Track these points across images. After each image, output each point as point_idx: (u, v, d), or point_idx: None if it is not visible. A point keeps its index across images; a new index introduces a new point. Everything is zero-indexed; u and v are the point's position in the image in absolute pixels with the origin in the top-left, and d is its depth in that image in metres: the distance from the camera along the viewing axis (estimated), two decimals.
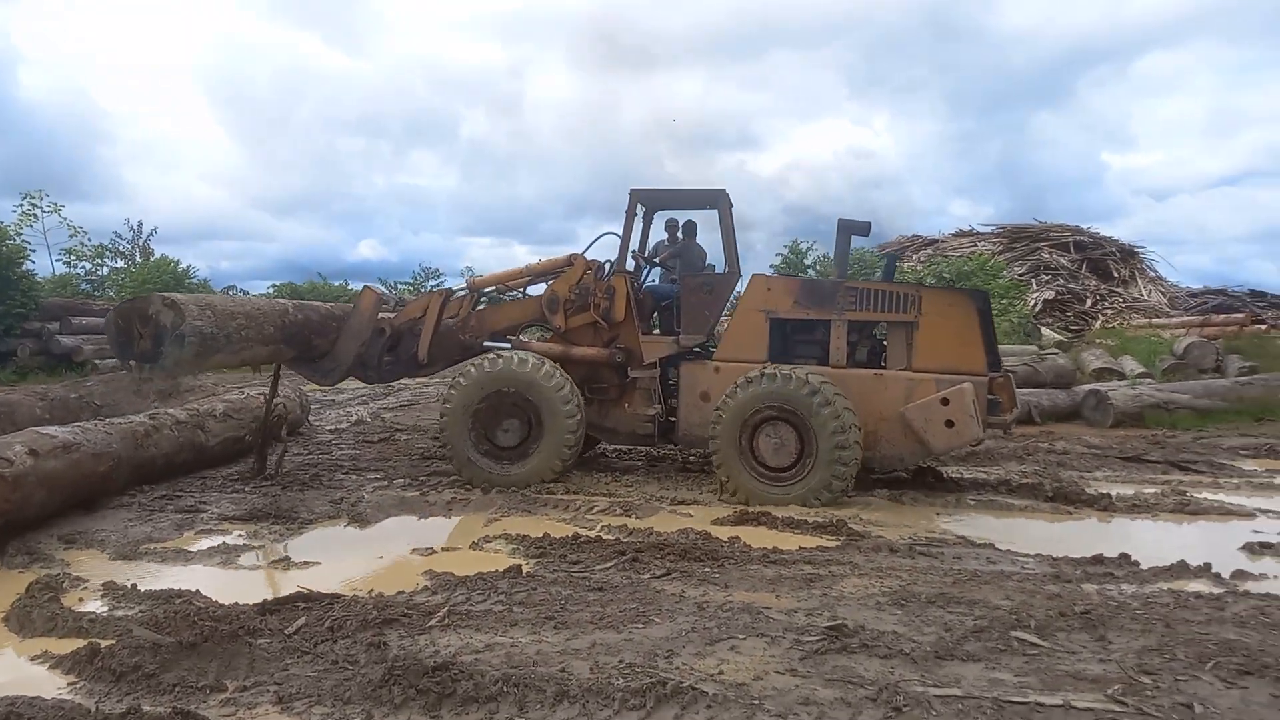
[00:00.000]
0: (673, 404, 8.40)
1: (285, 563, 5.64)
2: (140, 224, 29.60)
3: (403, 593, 4.79)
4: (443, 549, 5.96)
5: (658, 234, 9.41)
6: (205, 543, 6.14)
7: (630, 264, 8.76)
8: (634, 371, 8.42)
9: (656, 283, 9.27)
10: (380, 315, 8.87)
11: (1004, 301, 20.98)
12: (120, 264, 27.23)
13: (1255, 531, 6.38)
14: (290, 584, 4.93)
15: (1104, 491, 7.64)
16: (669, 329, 8.78)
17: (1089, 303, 25.63)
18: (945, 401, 7.13)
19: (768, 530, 6.56)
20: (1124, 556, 5.50)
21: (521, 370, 8.00)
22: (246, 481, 8.09)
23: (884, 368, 7.70)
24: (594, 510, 7.09)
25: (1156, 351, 16.14)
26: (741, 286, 8.43)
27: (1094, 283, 26.99)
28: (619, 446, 9.76)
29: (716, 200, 8.46)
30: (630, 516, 6.88)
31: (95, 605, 4.72)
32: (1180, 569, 5.27)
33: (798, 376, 7.30)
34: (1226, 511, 7.01)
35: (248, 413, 9.60)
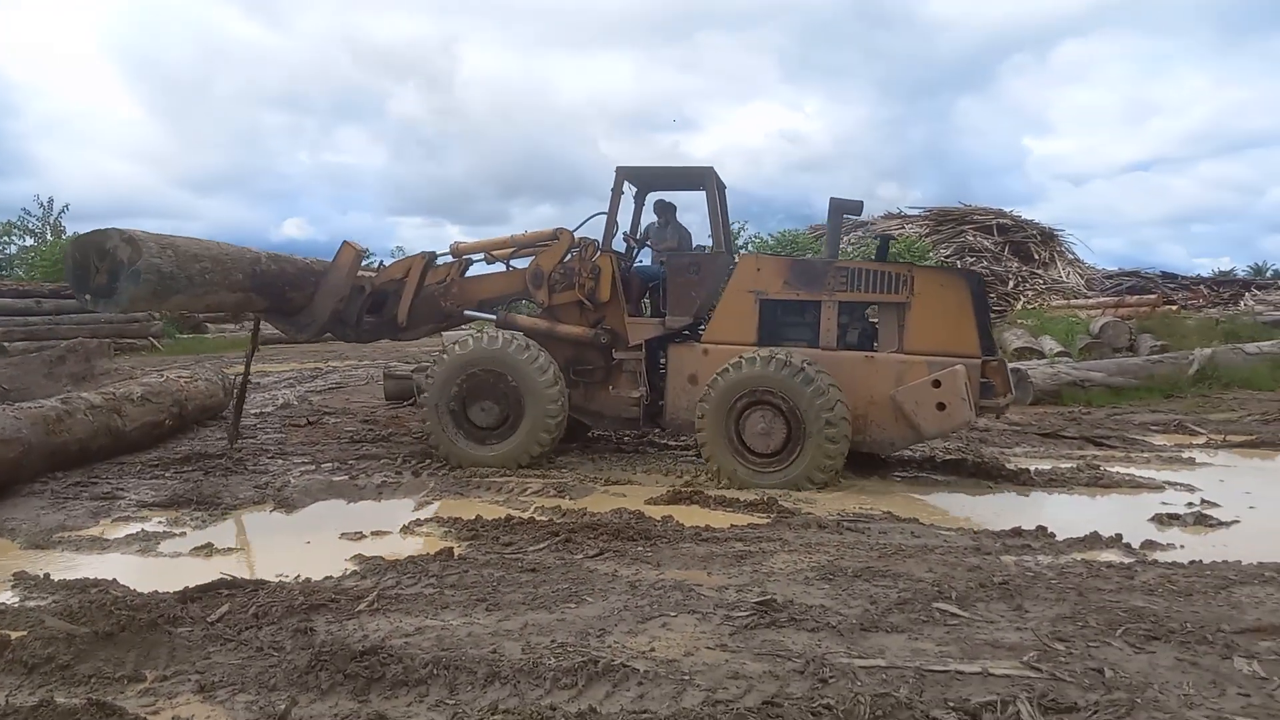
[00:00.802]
0: (661, 387, 8.22)
1: (208, 550, 5.49)
2: (51, 201, 28.36)
3: (330, 578, 4.70)
4: (372, 533, 5.87)
5: (650, 215, 9.25)
6: (123, 530, 5.94)
7: (622, 244, 8.62)
8: (619, 354, 8.25)
9: (647, 263, 9.09)
10: (360, 273, 8.63)
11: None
12: (30, 242, 26.04)
13: (1164, 504, 6.68)
14: (213, 571, 4.79)
15: (1024, 467, 7.91)
16: (654, 309, 8.62)
17: (1011, 284, 26.41)
18: (937, 384, 7.02)
19: (701, 509, 6.62)
20: (1041, 529, 5.70)
21: (504, 350, 7.89)
22: (171, 464, 7.85)
23: (875, 350, 7.57)
24: (527, 492, 7.07)
25: (1074, 331, 16.73)
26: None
27: (1016, 265, 27.83)
28: (606, 431, 9.42)
29: (704, 179, 8.30)
30: (564, 497, 6.87)
31: (5, 596, 4.53)
32: (1093, 540, 5.50)
33: (785, 360, 7.18)
34: (1137, 485, 7.32)
35: (167, 396, 9.30)
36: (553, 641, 3.73)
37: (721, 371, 7.40)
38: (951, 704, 3.07)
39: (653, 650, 3.66)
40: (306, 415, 11.11)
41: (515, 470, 7.76)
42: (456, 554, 5.15)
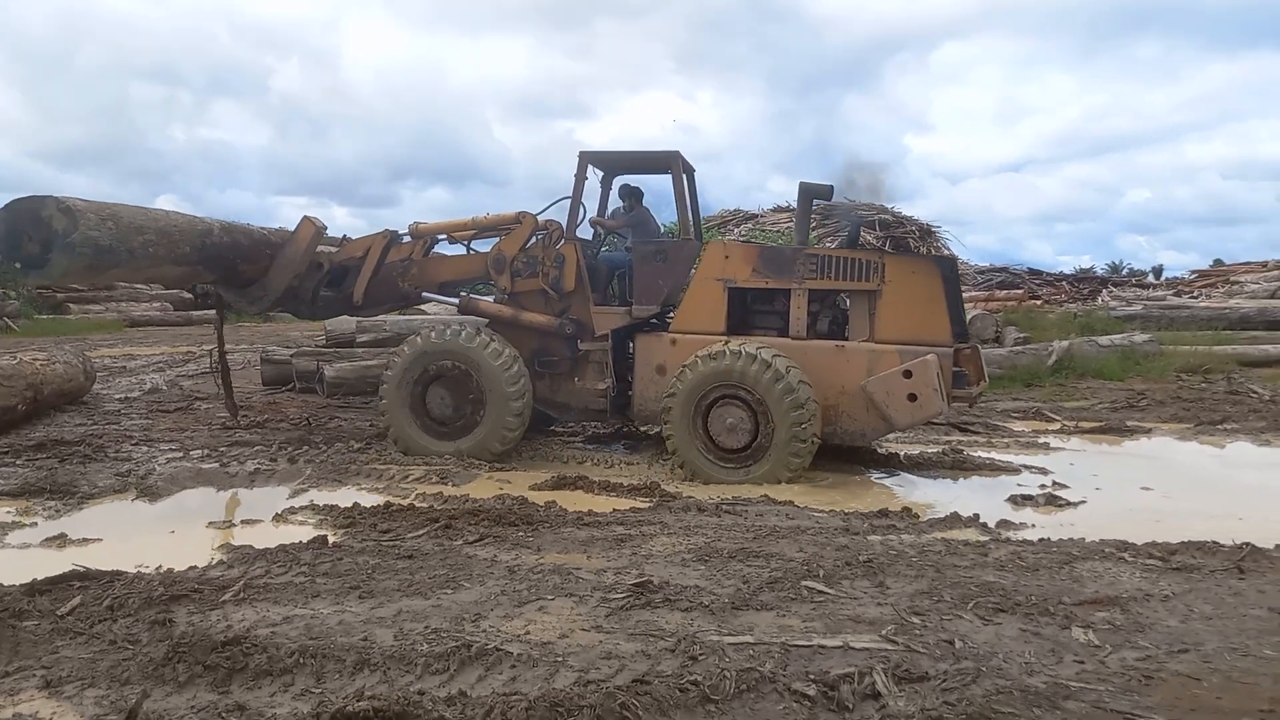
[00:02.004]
0: (630, 378, 8.03)
1: (60, 540, 5.21)
2: None
3: (195, 568, 4.53)
4: (243, 522, 5.68)
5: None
6: None
7: (589, 231, 8.42)
8: (584, 344, 8.01)
9: (615, 250, 8.90)
10: (319, 249, 8.31)
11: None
12: None
13: (1019, 485, 7.10)
14: (65, 562, 4.54)
15: (893, 451, 8.25)
16: (621, 298, 8.39)
17: None
18: (908, 374, 6.89)
19: (585, 494, 6.68)
20: (906, 510, 5.98)
21: (465, 343, 7.70)
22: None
23: (846, 339, 7.47)
24: (409, 478, 6.96)
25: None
26: None
27: None
28: (573, 423, 9.11)
29: (669, 163, 8.07)
30: (447, 484, 6.80)
31: None
32: (953, 519, 5.81)
33: (751, 354, 7.04)
34: (996, 468, 7.75)
35: (20, 379, 8.72)
36: (426, 627, 3.70)
37: (689, 364, 7.24)
38: (812, 676, 3.20)
39: (528, 633, 3.67)
40: (176, 400, 10.61)
41: (407, 458, 7.62)
42: (331, 542, 5.04)
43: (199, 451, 7.75)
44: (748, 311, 7.79)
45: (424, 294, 8.56)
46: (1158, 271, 33.80)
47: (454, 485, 6.71)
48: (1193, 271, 29.15)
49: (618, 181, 8.96)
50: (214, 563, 4.66)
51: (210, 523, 5.62)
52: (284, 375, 11.61)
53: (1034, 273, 30.81)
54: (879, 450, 8.26)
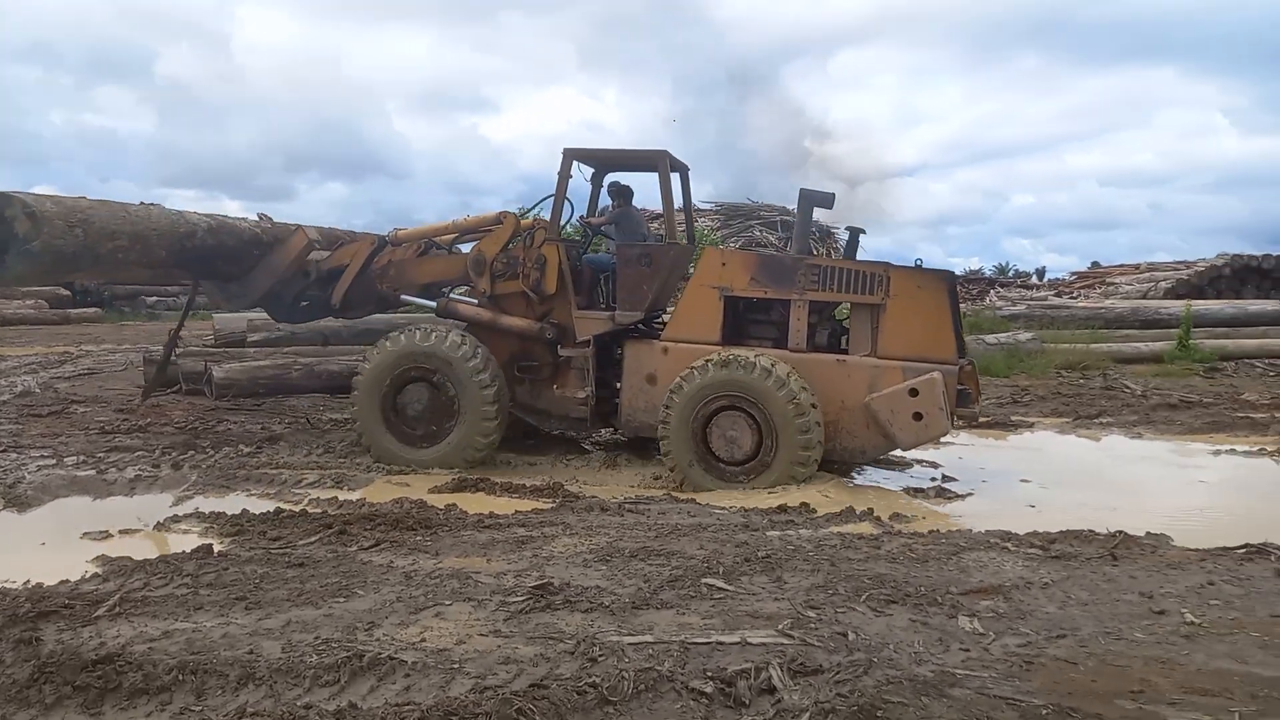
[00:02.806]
0: (613, 385, 7.76)
1: None
2: None
3: (66, 582, 4.26)
4: (121, 532, 5.40)
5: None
6: None
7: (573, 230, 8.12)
8: (565, 350, 7.69)
9: (602, 252, 8.63)
10: (310, 257, 8.03)
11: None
12: None
13: (911, 479, 7.35)
14: None
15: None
16: (607, 302, 8.07)
17: None
18: (914, 392, 6.66)
19: (486, 496, 6.60)
20: (804, 505, 6.11)
21: (438, 346, 7.39)
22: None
23: (844, 352, 7.25)
24: (302, 483, 6.74)
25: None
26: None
27: None
28: (553, 431, 8.52)
29: (656, 161, 7.79)
30: (342, 488, 6.62)
31: None
32: (848, 514, 5.95)
33: (756, 363, 6.80)
34: (890, 463, 7.98)
35: None
36: (316, 638, 3.57)
37: (686, 375, 6.97)
38: (710, 674, 3.22)
39: (423, 640, 3.59)
40: (50, 404, 10.00)
41: (300, 462, 7.36)
42: (216, 551, 4.84)
43: (74, 458, 7.31)
44: (742, 321, 7.53)
45: (403, 296, 8.23)
46: (1040, 273, 35.42)
47: (349, 489, 6.53)
48: (1072, 273, 30.60)
49: (609, 180, 8.65)
50: (88, 576, 4.41)
51: (85, 534, 5.31)
52: (168, 377, 11.07)
53: None
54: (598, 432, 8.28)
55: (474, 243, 8.13)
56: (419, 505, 5.89)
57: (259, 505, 5.94)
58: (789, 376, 6.77)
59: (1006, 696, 3.09)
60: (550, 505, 6.14)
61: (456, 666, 3.32)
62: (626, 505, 6.05)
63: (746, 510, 6.05)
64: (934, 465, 7.89)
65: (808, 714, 2.92)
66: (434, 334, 7.47)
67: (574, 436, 8.46)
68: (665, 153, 7.75)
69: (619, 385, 7.73)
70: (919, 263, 7.26)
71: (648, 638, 3.62)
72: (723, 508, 6.16)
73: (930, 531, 5.45)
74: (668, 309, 8.27)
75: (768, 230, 30.33)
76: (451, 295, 8.32)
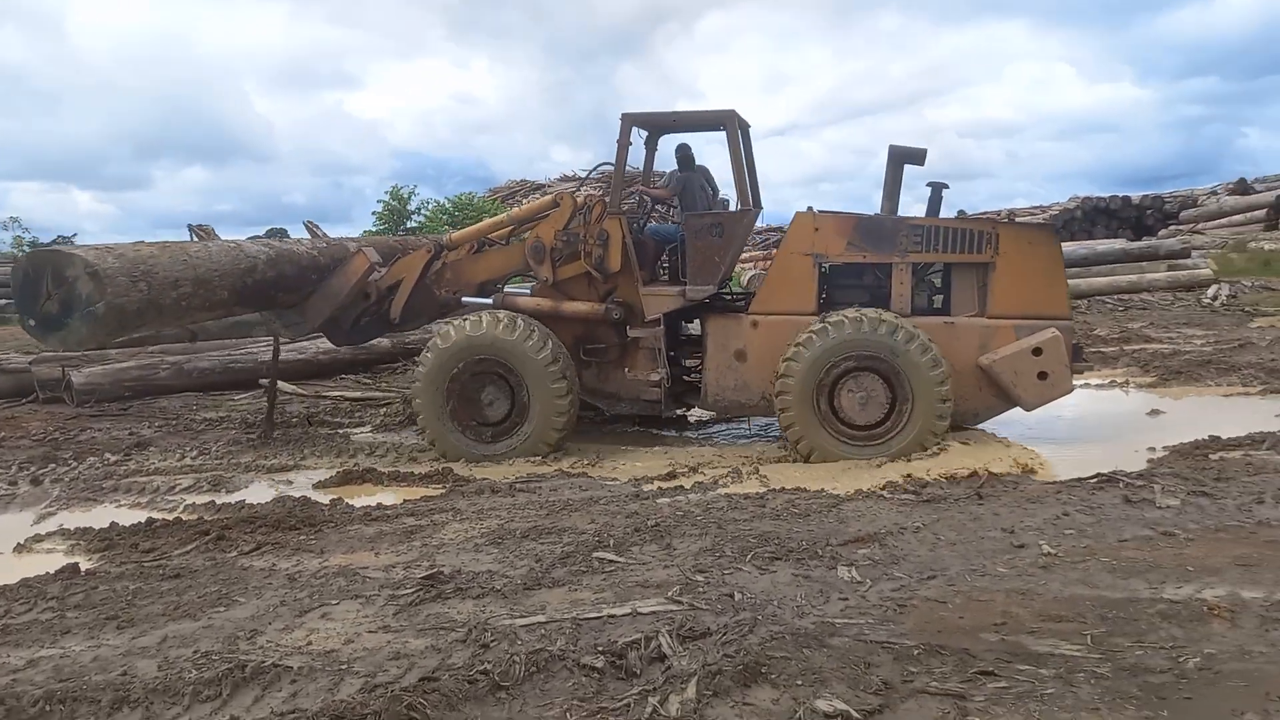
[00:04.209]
0: (685, 364, 7.49)
1: None
2: None
3: None
4: None
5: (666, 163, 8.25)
6: None
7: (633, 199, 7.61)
8: (634, 331, 7.31)
9: (662, 222, 8.14)
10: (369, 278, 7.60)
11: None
12: None
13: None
14: None
15: (680, 413, 8.51)
16: (672, 277, 7.69)
17: None
18: (1038, 351, 6.52)
19: (374, 487, 6.47)
20: (693, 469, 6.22)
21: (503, 335, 6.99)
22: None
23: (938, 314, 7.03)
24: (176, 489, 6.46)
25: (731, 283, 18.29)
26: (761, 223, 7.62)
27: None
28: (623, 414, 8.10)
29: (724, 121, 7.23)
30: (219, 491, 6.37)
31: None
32: (735, 474, 6.10)
33: (887, 320, 6.53)
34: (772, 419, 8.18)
35: None
36: (195, 652, 3.45)
37: (807, 338, 6.61)
38: (601, 648, 3.27)
39: (310, 644, 3.51)
40: None
41: (174, 466, 7.03)
42: (84, 569, 4.60)
43: None
44: (830, 287, 7.22)
45: (464, 299, 7.84)
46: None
47: (227, 492, 6.29)
48: None
49: (677, 144, 8.06)
50: None
51: None
52: (24, 385, 10.37)
53: None
54: (670, 414, 8.44)
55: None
56: (302, 503, 5.74)
57: (129, 516, 5.66)
58: (922, 335, 6.53)
59: (882, 641, 3.25)
60: (440, 491, 6.07)
61: (345, 667, 3.27)
62: (518, 485, 6.05)
63: (638, 480, 6.13)
64: None
65: (695, 677, 3.00)
66: (499, 323, 7.06)
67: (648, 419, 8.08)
68: (733, 112, 7.25)
69: (687, 363, 7.62)
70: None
71: (540, 618, 3.64)
72: (615, 480, 6.22)
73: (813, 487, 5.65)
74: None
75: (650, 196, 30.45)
76: (506, 289, 7.99)
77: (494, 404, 7.14)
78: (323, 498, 5.91)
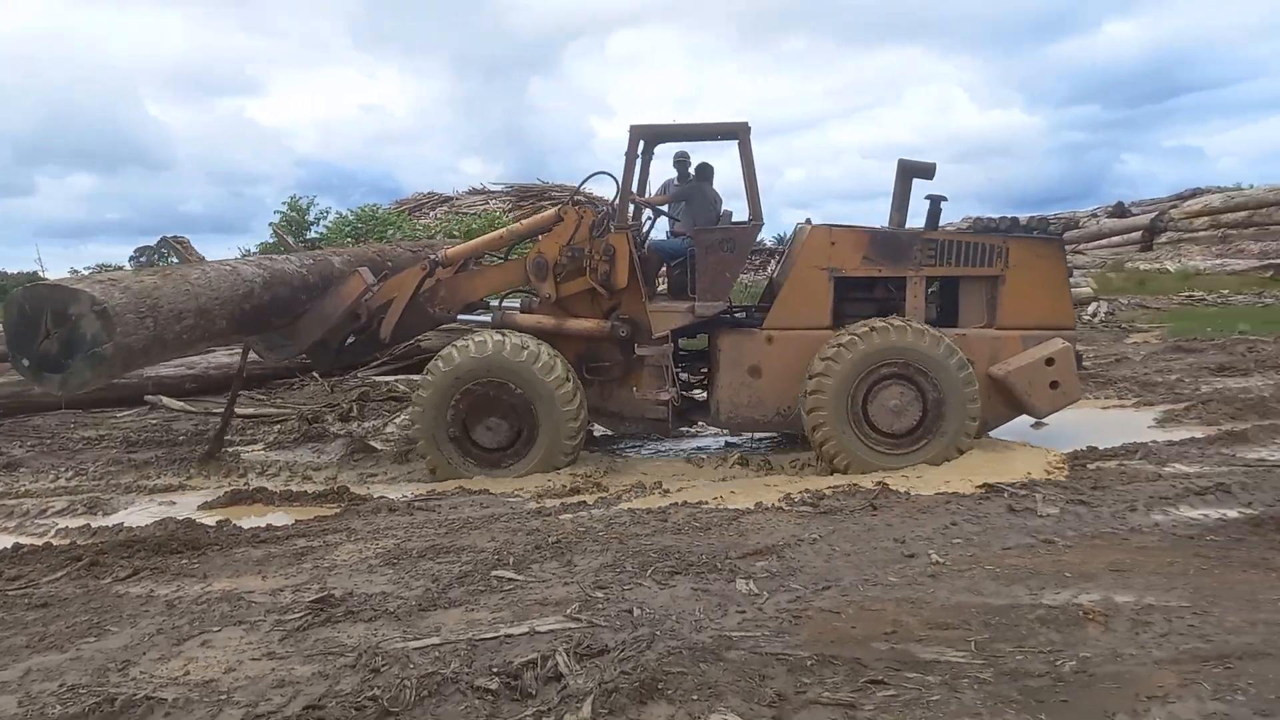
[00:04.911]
0: (686, 380, 7.34)
1: None
2: None
3: None
4: None
5: (664, 174, 8.06)
6: None
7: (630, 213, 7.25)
8: (642, 348, 7.10)
9: (665, 236, 7.90)
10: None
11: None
12: None
13: (697, 448, 7.62)
14: None
15: (685, 431, 8.22)
16: (676, 292, 7.50)
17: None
18: (1050, 361, 6.66)
19: (264, 507, 6.23)
20: (596, 484, 6.20)
21: (500, 356, 6.66)
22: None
23: (944, 326, 7.03)
24: (48, 513, 6.09)
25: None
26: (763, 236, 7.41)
27: None
28: (628, 434, 8.02)
29: (737, 133, 7.11)
30: (95, 514, 6.04)
31: None
32: (638, 488, 6.11)
33: (924, 330, 6.56)
34: (679, 434, 8.24)
35: None
36: (61, 685, 3.24)
37: (845, 343, 6.56)
38: (496, 669, 3.20)
39: (187, 674, 3.34)
40: None
41: (46, 489, 6.60)
42: None
43: None
44: (842, 301, 7.15)
45: (458, 316, 7.55)
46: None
47: (104, 515, 5.96)
48: None
49: (662, 151, 7.95)
50: None
51: None
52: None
53: None
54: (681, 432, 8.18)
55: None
56: (186, 525, 5.47)
57: None
58: (951, 342, 6.59)
59: (777, 652, 3.28)
60: (334, 510, 5.88)
61: (224, 698, 3.12)
62: (416, 503, 5.91)
63: (540, 496, 6.07)
64: (719, 433, 8.19)
65: (591, 696, 2.96)
66: (505, 344, 6.77)
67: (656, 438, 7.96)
68: (746, 124, 7.15)
69: (690, 379, 7.52)
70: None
71: (434, 640, 3.55)
72: (517, 496, 6.15)
73: (715, 499, 5.69)
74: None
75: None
76: (505, 306, 7.66)
77: (499, 427, 6.85)
78: (208, 519, 5.64)
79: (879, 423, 6.59)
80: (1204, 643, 3.21)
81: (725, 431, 7.57)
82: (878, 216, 7.26)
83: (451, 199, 31.72)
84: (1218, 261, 21.62)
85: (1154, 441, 6.63)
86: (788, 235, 8.10)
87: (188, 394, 10.21)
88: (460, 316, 7.54)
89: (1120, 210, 28.62)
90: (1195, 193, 26.52)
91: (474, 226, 22.53)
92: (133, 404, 10.08)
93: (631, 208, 7.24)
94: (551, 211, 7.37)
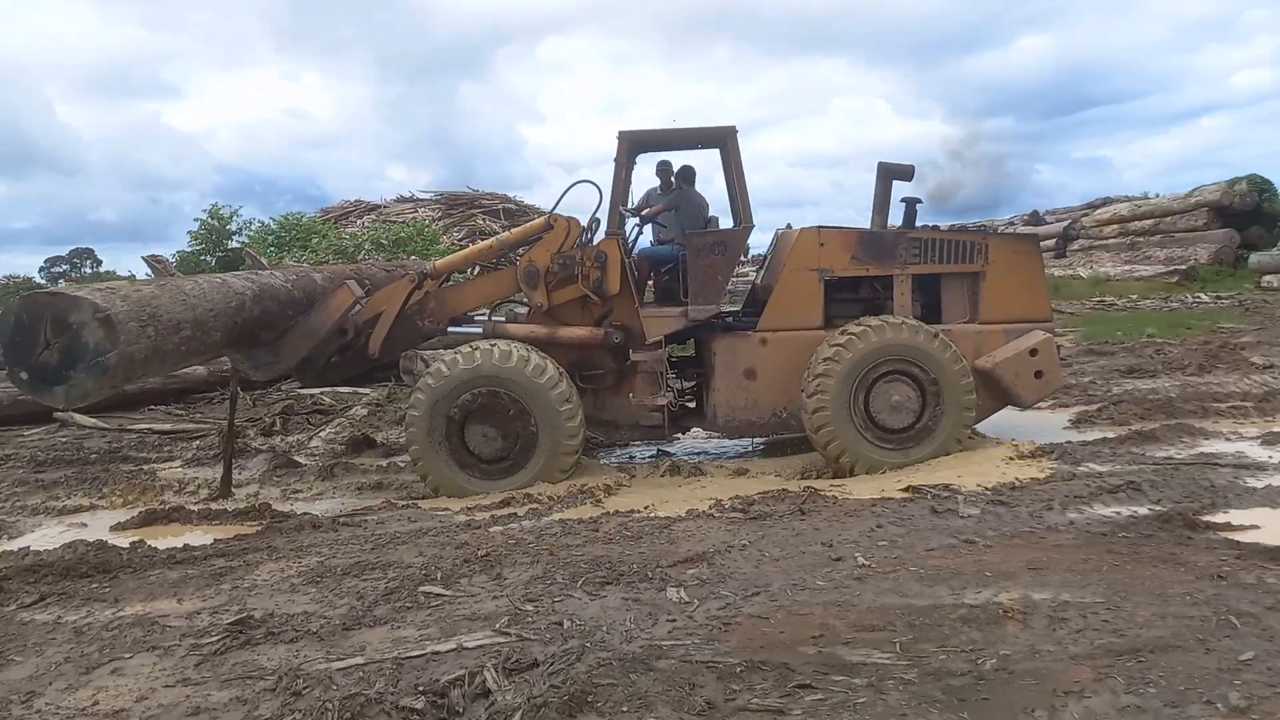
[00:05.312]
0: (681, 385, 7.30)
1: None
2: None
3: None
4: None
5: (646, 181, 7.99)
6: None
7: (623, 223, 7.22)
8: (636, 354, 7.03)
9: (650, 243, 7.85)
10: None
11: (382, 262, 21.81)
12: None
13: (631, 457, 7.61)
14: None
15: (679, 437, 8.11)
16: (665, 298, 7.46)
17: None
18: (1034, 352, 6.89)
19: (181, 527, 6.02)
20: (528, 495, 6.14)
21: (503, 365, 6.53)
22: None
23: (927, 321, 7.09)
24: None
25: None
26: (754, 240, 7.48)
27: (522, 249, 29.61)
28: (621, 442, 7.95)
29: (724, 139, 7.22)
30: (0, 537, 5.74)
31: None
32: (571, 498, 6.07)
33: (921, 326, 6.69)
34: (607, 444, 8.22)
35: None
36: None
37: (845, 342, 6.63)
38: (422, 688, 3.14)
39: (96, 704, 3.20)
40: None
41: None
42: None
43: None
44: (830, 301, 7.24)
45: (449, 329, 7.36)
46: (746, 250, 38.33)
47: (8, 539, 5.68)
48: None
49: (646, 160, 7.95)
50: None
51: None
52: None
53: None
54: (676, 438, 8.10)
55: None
56: (97, 547, 5.23)
57: None
58: (946, 339, 6.73)
59: (707, 660, 3.29)
60: (255, 528, 5.71)
61: None
62: (341, 519, 5.77)
63: (470, 509, 5.99)
64: (651, 441, 8.21)
65: (520, 712, 2.93)
66: (502, 353, 6.64)
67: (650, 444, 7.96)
68: (734, 129, 7.27)
69: (683, 384, 7.52)
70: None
71: (358, 660, 3.46)
72: (446, 509, 6.05)
73: (646, 507, 5.69)
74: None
75: (490, 219, 30.13)
76: (493, 316, 7.59)
77: (496, 437, 6.71)
78: (122, 540, 5.41)
79: (881, 419, 6.70)
80: (1117, 637, 3.32)
81: (720, 435, 7.70)
82: (803, 224, 7.37)
83: (379, 206, 31.19)
84: (1127, 267, 22.53)
85: (1069, 442, 6.85)
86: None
87: (99, 410, 9.81)
88: (450, 329, 7.44)
89: (1035, 219, 29.58)
90: (1105, 201, 27.54)
91: (402, 235, 22.18)
92: (41, 421, 9.65)
93: (621, 215, 7.27)
94: (541, 220, 7.33)
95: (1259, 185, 21.51)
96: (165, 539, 5.53)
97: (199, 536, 5.61)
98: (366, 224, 28.15)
